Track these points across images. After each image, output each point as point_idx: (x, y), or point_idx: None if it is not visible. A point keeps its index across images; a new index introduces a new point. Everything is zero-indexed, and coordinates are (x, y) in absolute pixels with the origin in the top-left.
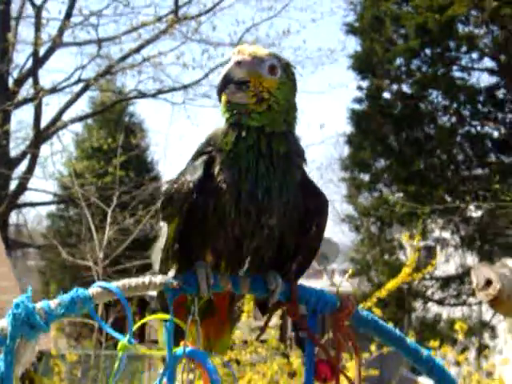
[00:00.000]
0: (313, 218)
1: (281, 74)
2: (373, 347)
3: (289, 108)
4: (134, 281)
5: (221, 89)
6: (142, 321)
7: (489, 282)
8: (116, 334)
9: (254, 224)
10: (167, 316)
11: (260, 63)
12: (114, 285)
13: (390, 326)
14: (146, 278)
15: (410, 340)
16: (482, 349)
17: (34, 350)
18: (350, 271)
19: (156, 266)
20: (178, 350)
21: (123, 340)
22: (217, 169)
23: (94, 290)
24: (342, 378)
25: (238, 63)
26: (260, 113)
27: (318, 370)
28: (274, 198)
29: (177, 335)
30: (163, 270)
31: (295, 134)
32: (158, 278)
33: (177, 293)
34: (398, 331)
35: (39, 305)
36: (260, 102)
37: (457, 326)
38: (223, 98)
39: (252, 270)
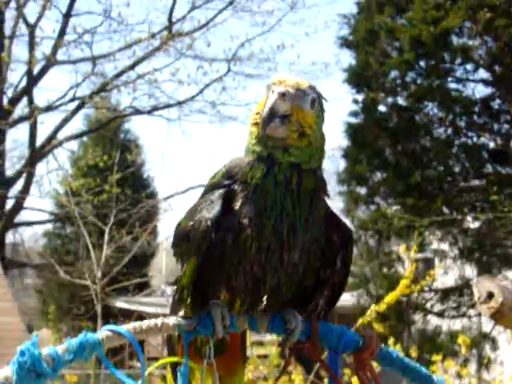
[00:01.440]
0: (338, 252)
1: (316, 107)
2: (374, 363)
3: (322, 143)
4: (145, 323)
5: (267, 122)
6: (151, 367)
7: (490, 295)
8: (128, 380)
9: (275, 261)
10: (181, 359)
11: (304, 96)
12: (125, 328)
13: (417, 364)
14: (158, 320)
15: (438, 377)
16: (482, 361)
17: None
18: None
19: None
20: None
21: None
22: (239, 203)
23: (103, 334)
24: None
25: (283, 95)
26: (299, 148)
27: None
28: (298, 234)
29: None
30: (177, 311)
31: (321, 169)
32: (171, 320)
33: (191, 335)
34: (424, 369)
35: (46, 351)
36: (301, 138)
37: (460, 340)
38: (253, 129)
39: (271, 308)
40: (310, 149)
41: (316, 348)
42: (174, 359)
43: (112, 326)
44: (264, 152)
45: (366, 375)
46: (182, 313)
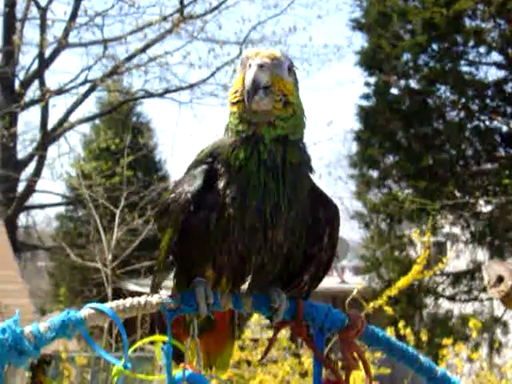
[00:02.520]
0: (324, 228)
1: (292, 74)
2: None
3: (303, 112)
4: (128, 301)
5: (252, 96)
6: (137, 344)
7: (500, 279)
8: (111, 358)
9: (259, 240)
10: (165, 338)
11: (281, 65)
12: (108, 306)
13: (402, 344)
14: (141, 298)
15: (424, 358)
16: (493, 345)
17: (23, 375)
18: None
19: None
20: (177, 374)
21: (118, 364)
22: (222, 182)
23: (86, 312)
24: None
25: (261, 67)
26: (285, 119)
27: None
28: (282, 213)
29: (175, 351)
30: (157, 283)
31: (304, 142)
32: (155, 298)
33: (175, 313)
34: (410, 349)
35: (28, 329)
36: (286, 107)
37: (471, 324)
38: (234, 108)
39: (256, 285)
40: (295, 118)
41: (301, 327)
42: (160, 338)
43: (95, 304)
44: (249, 131)
45: (352, 354)
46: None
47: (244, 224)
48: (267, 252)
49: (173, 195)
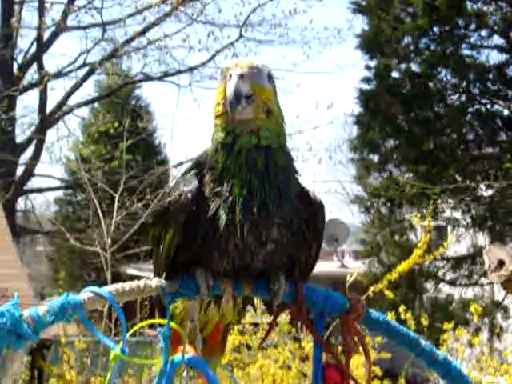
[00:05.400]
0: (311, 223)
1: (272, 82)
2: None
3: (283, 118)
4: (127, 285)
5: (235, 106)
6: (136, 327)
7: (501, 263)
8: (109, 342)
9: (254, 241)
10: (164, 321)
11: (260, 74)
12: (107, 290)
13: (403, 327)
14: (140, 282)
15: (425, 342)
16: (494, 329)
17: (22, 360)
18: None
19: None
20: (176, 357)
21: (116, 350)
22: (209, 187)
23: (85, 295)
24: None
25: (241, 76)
26: (268, 129)
27: (326, 375)
28: (271, 210)
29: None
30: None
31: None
32: (154, 282)
33: (175, 297)
34: (411, 333)
35: (27, 312)
36: (268, 116)
37: (472, 309)
38: (218, 121)
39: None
40: (277, 126)
41: (301, 310)
42: (159, 321)
43: (94, 288)
44: (229, 139)
45: (353, 338)
46: None
47: (234, 225)
48: (265, 254)
49: (171, 198)
